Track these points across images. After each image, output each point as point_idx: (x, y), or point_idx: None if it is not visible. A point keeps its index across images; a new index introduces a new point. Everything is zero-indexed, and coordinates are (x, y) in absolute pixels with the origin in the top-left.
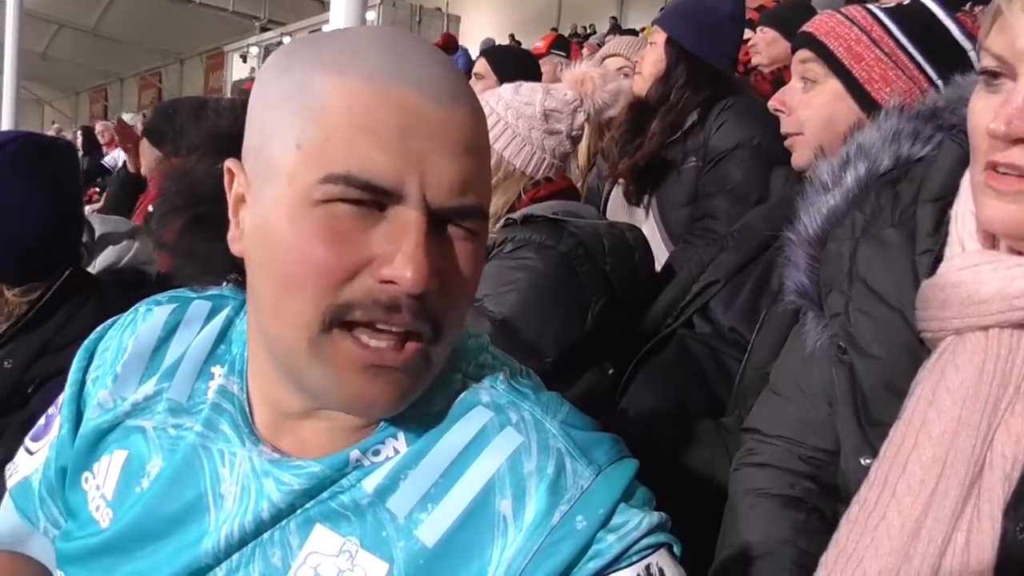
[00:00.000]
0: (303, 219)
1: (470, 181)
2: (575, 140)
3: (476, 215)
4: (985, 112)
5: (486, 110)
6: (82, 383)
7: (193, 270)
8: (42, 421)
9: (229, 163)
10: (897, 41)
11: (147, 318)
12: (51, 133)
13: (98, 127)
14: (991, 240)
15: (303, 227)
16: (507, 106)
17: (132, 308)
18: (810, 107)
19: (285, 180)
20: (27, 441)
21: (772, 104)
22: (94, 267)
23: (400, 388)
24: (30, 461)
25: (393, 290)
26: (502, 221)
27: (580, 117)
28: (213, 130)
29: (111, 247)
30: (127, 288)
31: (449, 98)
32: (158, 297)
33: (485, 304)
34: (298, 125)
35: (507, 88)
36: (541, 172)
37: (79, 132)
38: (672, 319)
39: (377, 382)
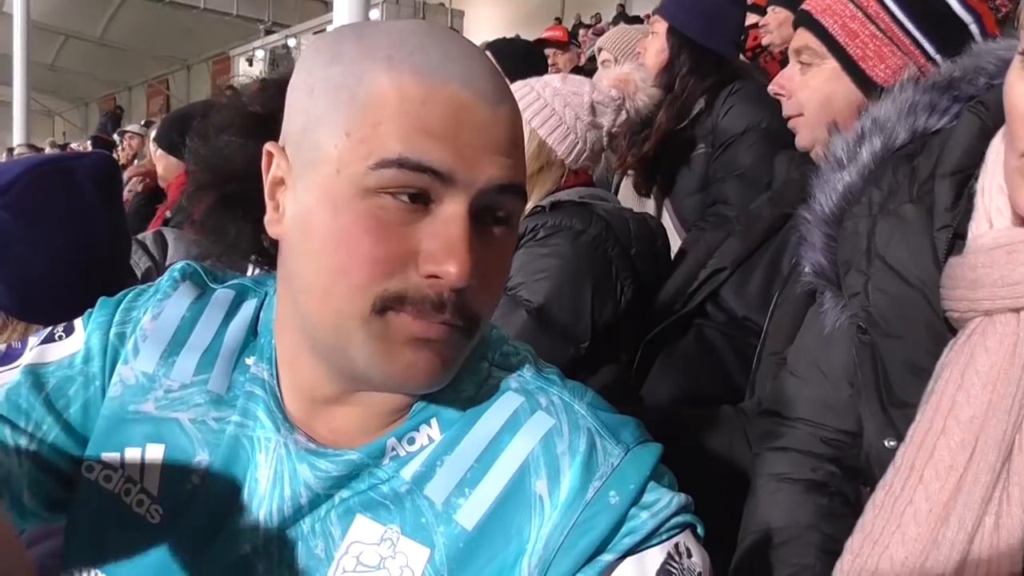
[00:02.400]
0: (350, 209)
1: (514, 173)
2: (612, 137)
3: (517, 193)
4: None
5: (532, 95)
6: (108, 328)
7: (220, 248)
8: (1, 348)
9: (269, 146)
10: (893, 16)
11: (169, 294)
12: (46, 145)
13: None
14: (1021, 216)
15: (350, 217)
16: (555, 93)
17: (155, 282)
18: (808, 88)
19: (334, 168)
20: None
21: (771, 88)
22: None
23: (443, 359)
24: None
25: (438, 285)
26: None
27: (622, 115)
28: (243, 109)
29: None
30: None
31: (495, 97)
32: (184, 268)
33: (519, 293)
34: (347, 113)
35: (555, 77)
36: (578, 163)
37: (89, 142)
38: (680, 305)
39: (423, 353)
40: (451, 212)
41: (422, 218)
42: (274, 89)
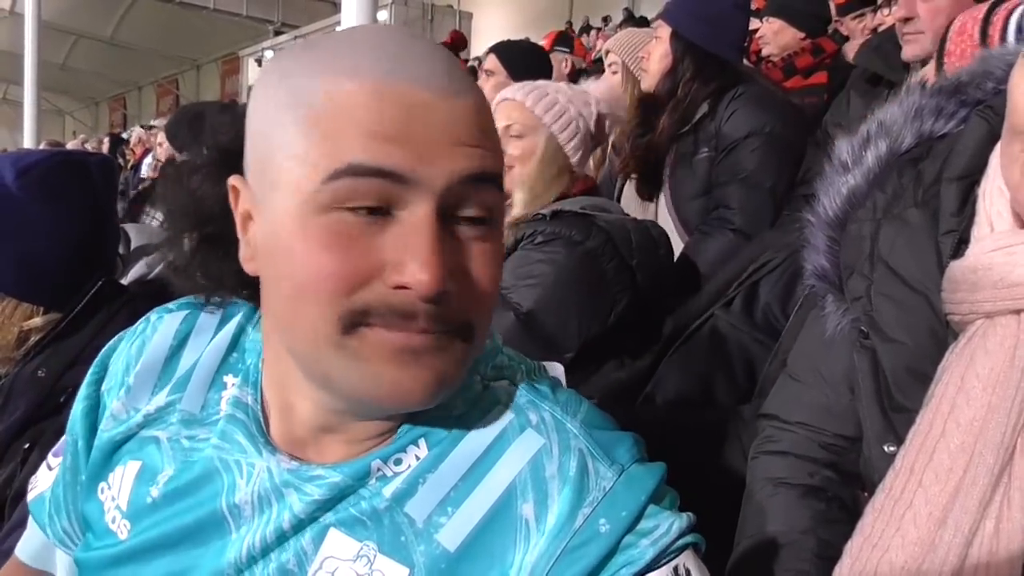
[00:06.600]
0: (310, 227)
1: (484, 162)
2: (599, 147)
3: (490, 181)
4: None
5: (549, 98)
6: (97, 396)
7: (207, 288)
8: (65, 437)
9: (233, 180)
10: None
11: (158, 327)
12: (75, 143)
13: (134, 137)
14: (1022, 219)
15: (310, 235)
16: (569, 99)
17: (143, 317)
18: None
19: (291, 189)
20: (49, 457)
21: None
22: (127, 278)
23: (435, 371)
24: (48, 476)
25: (408, 296)
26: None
27: (613, 132)
28: (215, 147)
29: (144, 259)
30: (157, 299)
31: (454, 91)
32: (169, 305)
33: (510, 296)
34: (295, 131)
35: (563, 85)
36: (579, 170)
37: (106, 139)
38: (719, 306)
39: (412, 368)
40: (417, 217)
41: (387, 228)
42: (240, 121)
